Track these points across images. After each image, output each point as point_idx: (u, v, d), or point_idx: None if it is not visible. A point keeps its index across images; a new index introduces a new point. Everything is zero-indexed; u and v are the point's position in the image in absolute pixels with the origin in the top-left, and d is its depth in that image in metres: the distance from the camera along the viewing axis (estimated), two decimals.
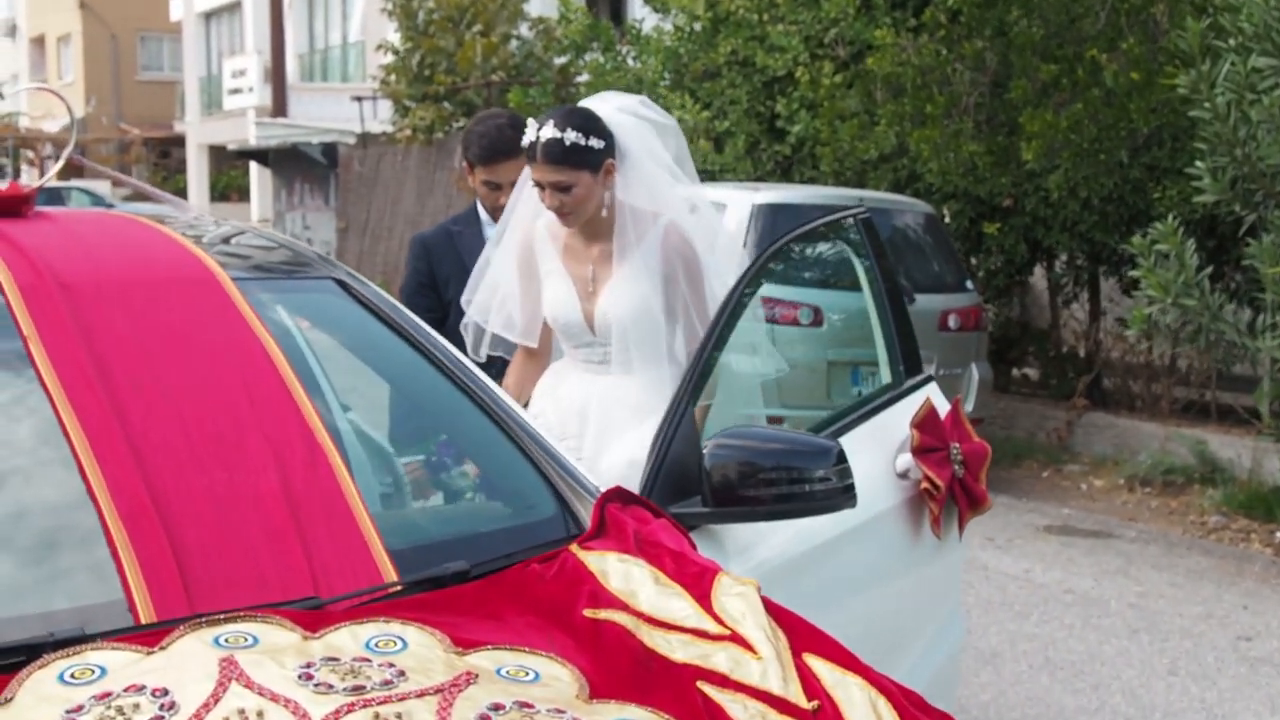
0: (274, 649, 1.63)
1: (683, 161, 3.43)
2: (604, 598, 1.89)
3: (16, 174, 44.05)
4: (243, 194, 34.44)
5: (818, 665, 1.79)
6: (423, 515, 2.37)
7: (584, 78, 12.05)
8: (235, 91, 31.04)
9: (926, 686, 3.08)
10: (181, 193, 36.53)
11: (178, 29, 36.55)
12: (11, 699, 1.51)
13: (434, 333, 2.66)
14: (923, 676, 3.13)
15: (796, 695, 1.72)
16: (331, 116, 22.09)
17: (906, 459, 3.02)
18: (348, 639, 1.67)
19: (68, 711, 1.48)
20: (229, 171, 35.58)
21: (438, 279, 4.07)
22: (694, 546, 2.20)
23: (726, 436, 2.50)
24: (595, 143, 3.22)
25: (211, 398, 2.16)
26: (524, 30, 17.65)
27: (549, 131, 3.21)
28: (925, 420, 3.02)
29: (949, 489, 3.02)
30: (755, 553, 2.65)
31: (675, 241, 3.27)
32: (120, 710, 1.48)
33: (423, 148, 17.45)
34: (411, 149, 17.65)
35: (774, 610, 1.91)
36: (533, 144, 3.23)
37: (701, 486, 2.46)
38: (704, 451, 2.46)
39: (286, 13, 29.91)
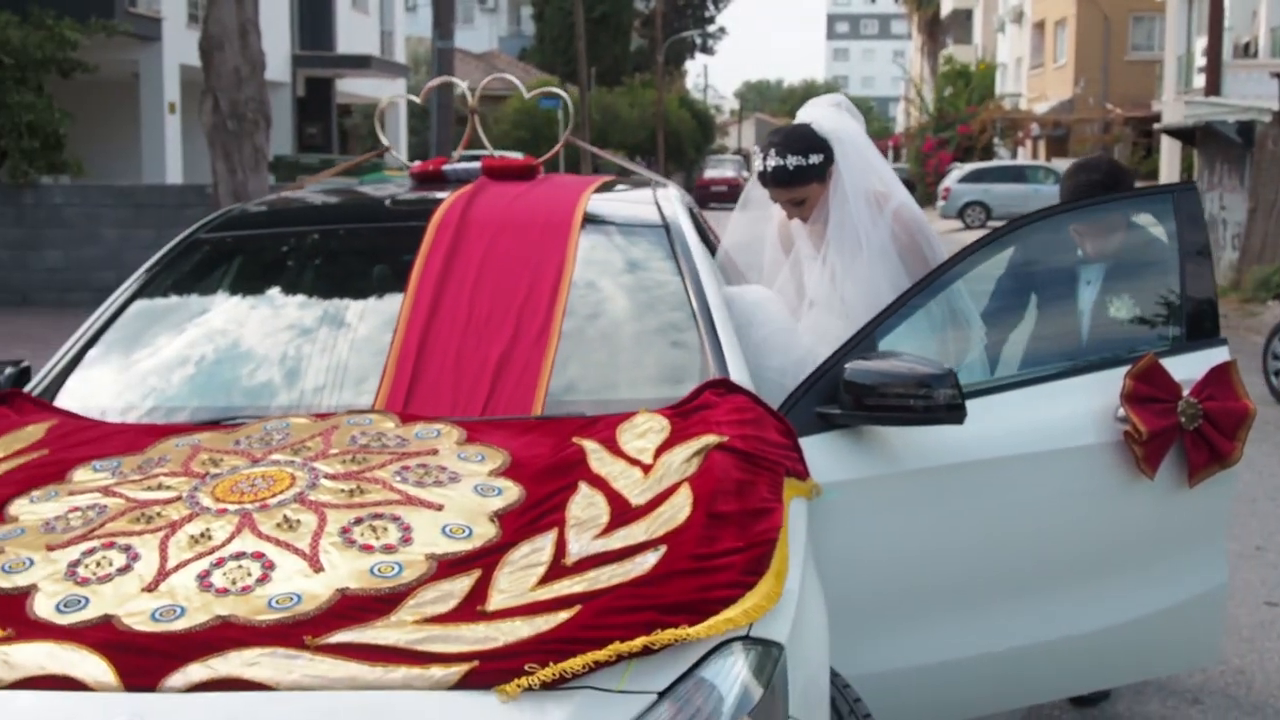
0: (360, 429, 2.83)
1: None
2: (599, 434, 2.79)
3: (1014, 152, 47.02)
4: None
5: (680, 491, 2.55)
6: (601, 383, 3.32)
7: None
8: (1202, 69, 30.79)
9: (1157, 614, 3.48)
10: (1154, 175, 36.60)
11: (1164, 8, 36.79)
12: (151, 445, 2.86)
13: (709, 274, 3.58)
14: (1151, 604, 3.47)
15: (635, 496, 2.52)
16: (1258, 94, 21.47)
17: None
18: (382, 427, 2.84)
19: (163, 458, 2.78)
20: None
21: None
22: (786, 433, 2.92)
23: (868, 358, 3.19)
24: (815, 159, 3.78)
25: (503, 296, 3.38)
26: None
27: (773, 161, 3.81)
28: (1145, 372, 3.35)
29: (1166, 437, 3.32)
30: (923, 451, 3.27)
31: (906, 218, 3.84)
32: (213, 461, 2.74)
33: None
34: None
35: (712, 463, 2.63)
36: (762, 174, 3.88)
37: (839, 394, 3.19)
38: (846, 366, 3.18)
39: None
